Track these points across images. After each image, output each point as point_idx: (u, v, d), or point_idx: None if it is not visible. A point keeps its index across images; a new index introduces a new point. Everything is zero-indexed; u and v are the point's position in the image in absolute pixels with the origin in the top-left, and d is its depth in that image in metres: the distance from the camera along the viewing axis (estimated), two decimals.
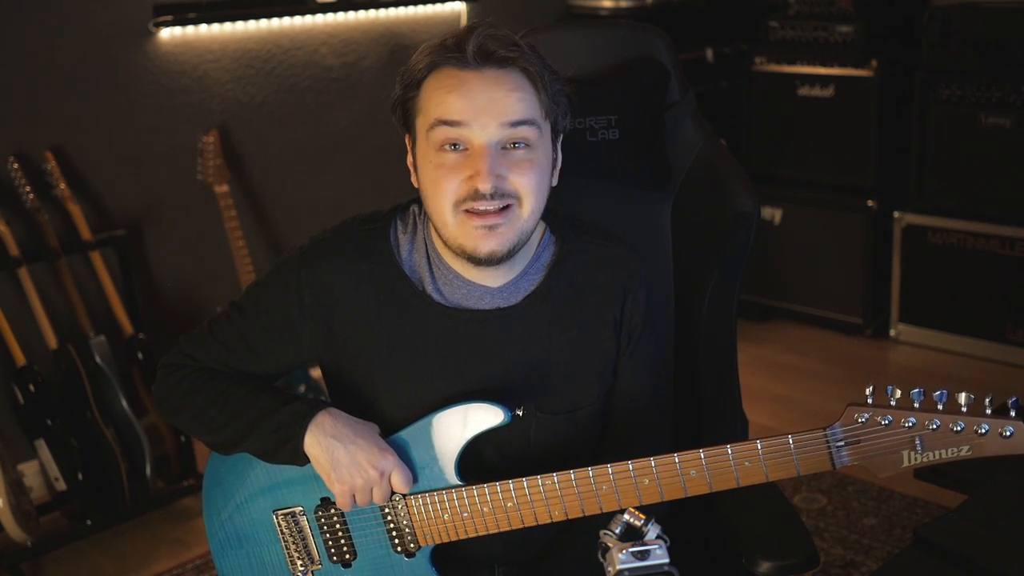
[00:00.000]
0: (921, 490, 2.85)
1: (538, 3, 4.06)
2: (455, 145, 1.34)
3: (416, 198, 1.49)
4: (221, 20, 3.30)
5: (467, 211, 1.33)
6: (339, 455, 1.36)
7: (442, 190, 1.34)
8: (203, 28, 3.27)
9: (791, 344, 4.03)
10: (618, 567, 1.11)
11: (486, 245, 1.35)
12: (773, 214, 4.08)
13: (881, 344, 3.98)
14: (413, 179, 1.42)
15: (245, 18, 3.35)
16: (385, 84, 3.70)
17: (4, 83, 2.93)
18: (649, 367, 1.51)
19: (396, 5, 3.71)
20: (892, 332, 3.97)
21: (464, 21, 3.90)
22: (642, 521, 1.25)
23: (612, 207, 1.77)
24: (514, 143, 1.34)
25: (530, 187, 1.35)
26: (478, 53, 1.33)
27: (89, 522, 2.84)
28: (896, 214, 3.85)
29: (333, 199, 3.62)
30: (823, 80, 3.96)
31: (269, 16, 3.40)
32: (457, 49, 1.34)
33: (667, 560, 1.11)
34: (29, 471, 2.96)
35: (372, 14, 3.67)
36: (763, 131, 4.17)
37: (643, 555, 1.12)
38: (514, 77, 1.34)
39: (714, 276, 1.70)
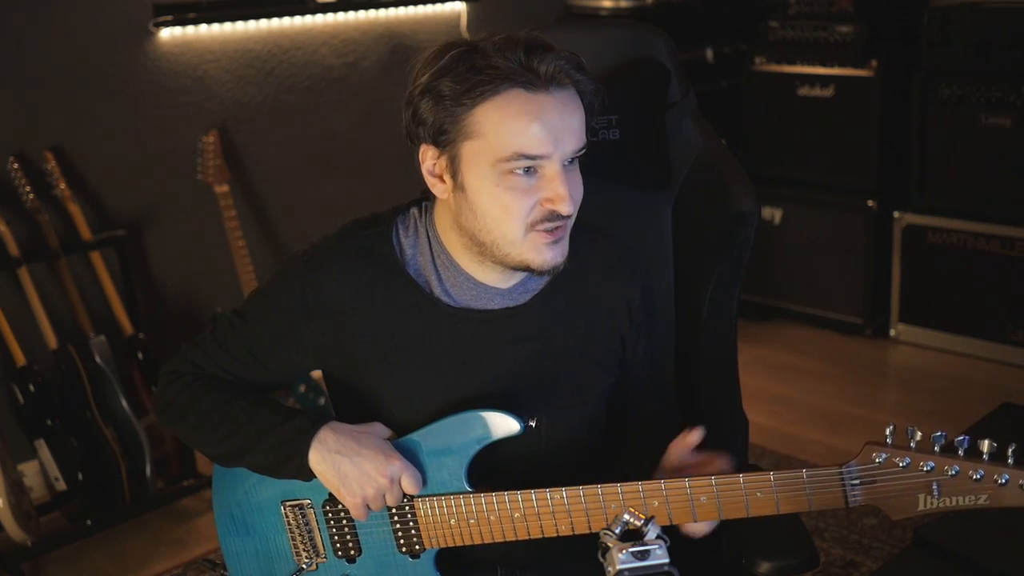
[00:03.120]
0: None
1: (538, 3, 4.06)
2: (527, 169, 1.32)
3: (415, 200, 1.48)
4: (221, 20, 3.30)
5: (539, 230, 1.34)
6: (345, 469, 1.36)
7: (515, 213, 1.32)
8: (203, 28, 3.27)
9: (791, 344, 4.02)
10: (618, 567, 1.11)
11: (553, 259, 1.36)
12: (773, 214, 4.08)
13: (881, 344, 3.98)
14: (438, 190, 1.38)
15: (245, 18, 3.35)
16: (385, 84, 3.71)
17: (4, 83, 2.93)
18: (655, 352, 1.57)
19: (396, 5, 3.71)
20: (892, 332, 3.97)
21: (464, 21, 3.90)
22: (642, 521, 1.25)
23: (612, 207, 1.77)
24: (570, 160, 1.35)
25: (579, 199, 1.37)
26: (550, 76, 1.29)
27: (89, 522, 2.84)
28: (896, 214, 3.85)
29: (333, 199, 3.62)
30: (823, 80, 3.96)
31: (269, 16, 3.40)
32: (527, 71, 1.28)
33: (667, 560, 1.11)
34: (29, 471, 2.96)
35: (372, 14, 3.67)
36: (763, 131, 4.16)
37: (643, 555, 1.12)
38: (575, 99, 1.33)
39: (714, 276, 1.70)
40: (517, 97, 1.28)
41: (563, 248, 1.36)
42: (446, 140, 1.32)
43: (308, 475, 1.39)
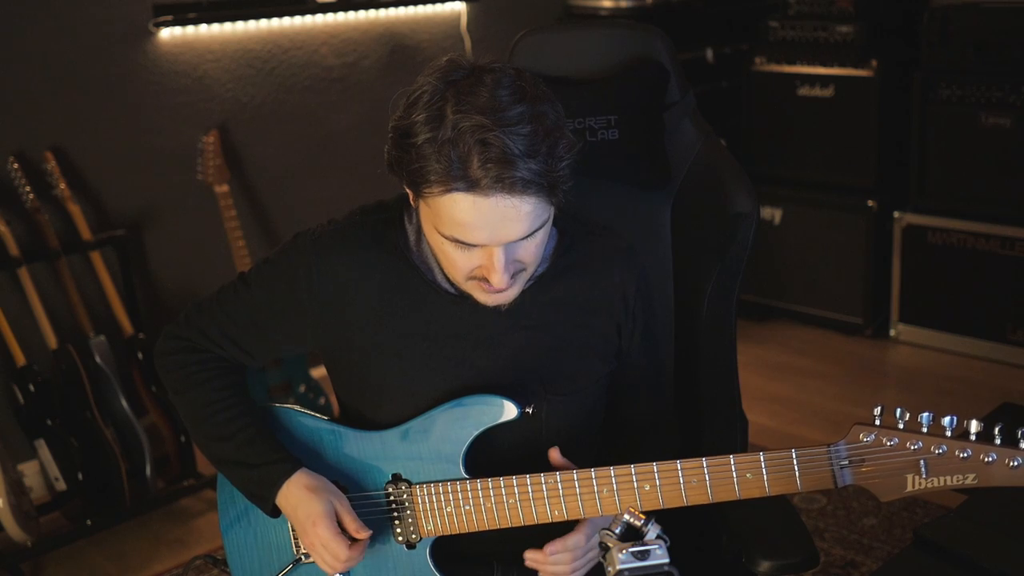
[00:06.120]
0: None
1: (538, 3, 4.06)
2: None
3: None
4: (221, 20, 3.30)
5: (480, 283, 1.35)
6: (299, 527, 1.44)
7: (457, 267, 1.35)
8: (203, 28, 3.28)
9: (791, 344, 4.03)
10: (618, 567, 1.11)
11: (495, 300, 1.38)
12: (773, 214, 4.08)
13: (881, 344, 3.98)
14: (412, 200, 1.39)
15: (245, 18, 3.35)
16: (385, 84, 3.70)
17: (4, 83, 2.93)
18: (653, 344, 1.57)
19: (396, 5, 3.71)
20: (892, 332, 3.97)
21: (464, 21, 3.90)
22: (642, 521, 1.25)
23: (612, 207, 1.77)
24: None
25: (536, 258, 1.37)
26: (495, 182, 1.24)
27: (89, 522, 2.84)
28: (896, 214, 3.85)
29: (333, 199, 3.62)
30: (823, 80, 3.96)
31: (269, 16, 3.41)
32: (468, 178, 1.24)
33: (667, 560, 1.11)
34: (29, 471, 2.96)
35: (372, 14, 3.67)
36: (763, 131, 4.17)
37: (643, 555, 1.12)
38: (530, 196, 1.27)
39: (714, 276, 1.70)
40: (459, 201, 1.26)
41: (511, 294, 1.37)
42: (409, 183, 1.33)
43: (276, 515, 1.46)
